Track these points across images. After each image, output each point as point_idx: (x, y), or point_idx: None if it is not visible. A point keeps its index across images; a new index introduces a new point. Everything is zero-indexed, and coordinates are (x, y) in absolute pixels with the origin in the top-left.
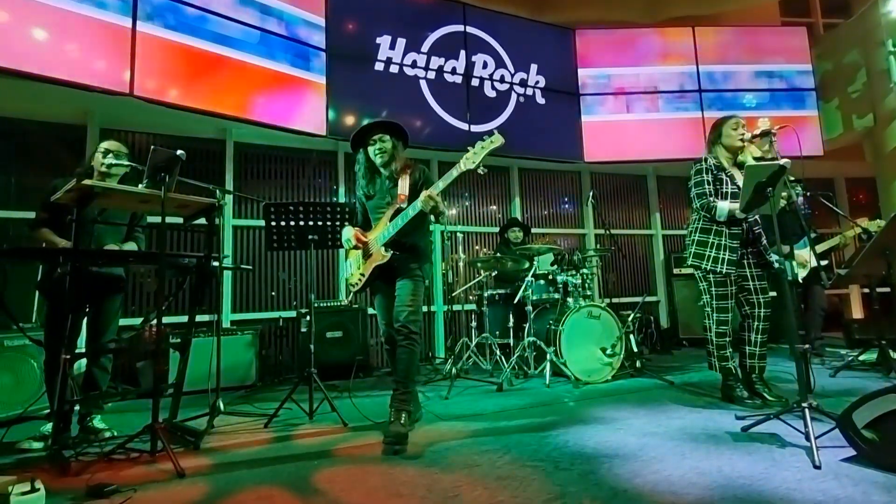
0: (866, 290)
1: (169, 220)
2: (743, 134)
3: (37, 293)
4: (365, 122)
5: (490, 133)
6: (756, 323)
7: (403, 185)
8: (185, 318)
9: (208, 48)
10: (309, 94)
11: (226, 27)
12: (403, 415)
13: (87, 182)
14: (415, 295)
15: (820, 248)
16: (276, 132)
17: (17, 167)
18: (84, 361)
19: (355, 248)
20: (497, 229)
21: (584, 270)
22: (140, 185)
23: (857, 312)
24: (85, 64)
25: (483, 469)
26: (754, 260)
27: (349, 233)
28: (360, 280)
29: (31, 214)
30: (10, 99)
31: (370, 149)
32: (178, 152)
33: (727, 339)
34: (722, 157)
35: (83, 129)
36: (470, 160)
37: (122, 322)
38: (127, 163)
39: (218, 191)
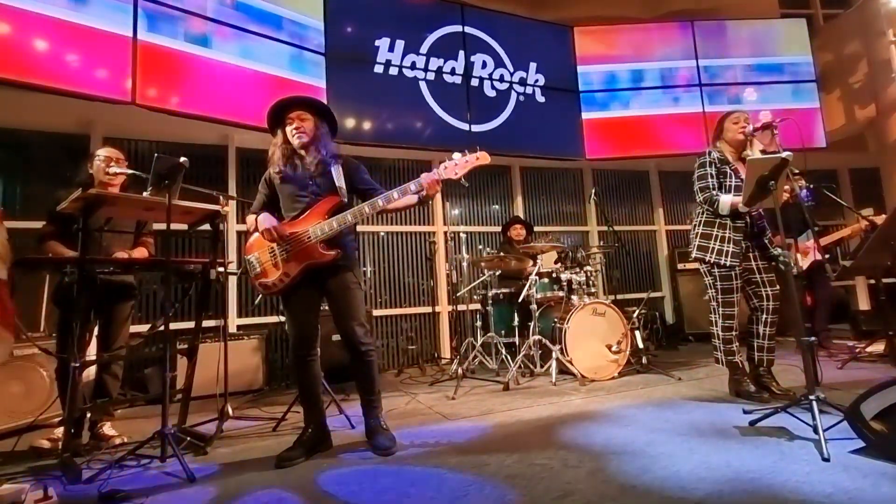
0: (872, 282)
1: (173, 226)
2: (744, 127)
3: (44, 302)
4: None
5: (475, 148)
6: (765, 316)
7: (339, 176)
8: (191, 324)
9: (208, 55)
10: None
11: (225, 34)
12: (382, 421)
13: (93, 191)
14: (359, 307)
15: (825, 240)
16: None
17: (22, 177)
18: (94, 368)
19: (274, 240)
20: (499, 229)
21: (588, 267)
22: (144, 193)
23: (864, 304)
24: (87, 74)
25: (491, 468)
26: (759, 253)
27: (269, 221)
28: (282, 280)
29: (37, 224)
30: (13, 110)
31: (288, 128)
32: (182, 159)
33: (734, 333)
34: (726, 152)
35: (86, 138)
36: (451, 172)
37: (131, 329)
38: (130, 171)
39: (221, 197)
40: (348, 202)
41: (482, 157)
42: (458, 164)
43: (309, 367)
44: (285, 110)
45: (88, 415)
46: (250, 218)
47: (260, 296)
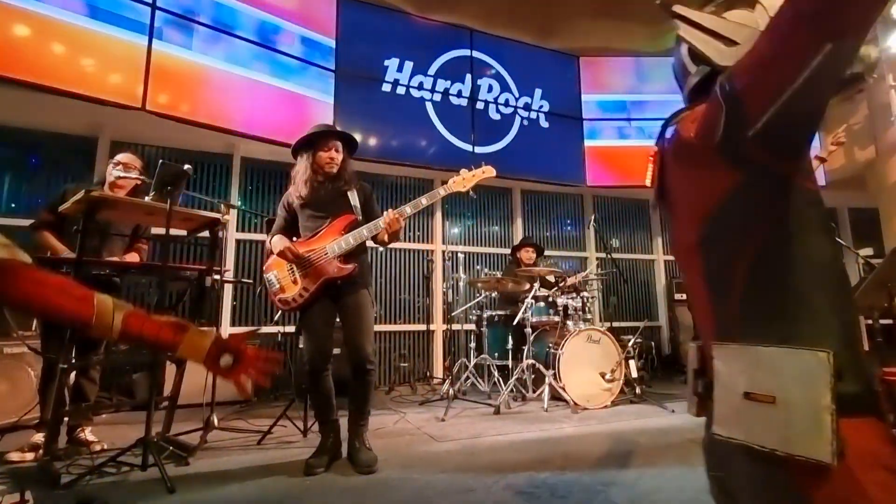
0: (869, 322)
1: (173, 232)
2: None
3: None
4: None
5: (481, 164)
6: None
7: (354, 198)
8: None
9: (219, 66)
10: (316, 113)
11: (238, 46)
12: (365, 439)
13: (94, 193)
14: (372, 325)
15: None
16: (283, 148)
17: (29, 176)
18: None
19: (290, 260)
20: (498, 250)
21: (585, 293)
22: (147, 198)
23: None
24: (100, 79)
25: (478, 494)
26: None
27: (283, 243)
28: (302, 295)
29: None
30: (25, 110)
31: (323, 154)
32: (186, 167)
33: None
34: None
35: (94, 140)
36: (459, 185)
37: None
38: (135, 175)
39: (222, 205)
40: (362, 221)
41: (487, 171)
42: (465, 178)
43: (325, 381)
44: (322, 138)
45: (66, 419)
46: (272, 241)
47: (280, 312)
